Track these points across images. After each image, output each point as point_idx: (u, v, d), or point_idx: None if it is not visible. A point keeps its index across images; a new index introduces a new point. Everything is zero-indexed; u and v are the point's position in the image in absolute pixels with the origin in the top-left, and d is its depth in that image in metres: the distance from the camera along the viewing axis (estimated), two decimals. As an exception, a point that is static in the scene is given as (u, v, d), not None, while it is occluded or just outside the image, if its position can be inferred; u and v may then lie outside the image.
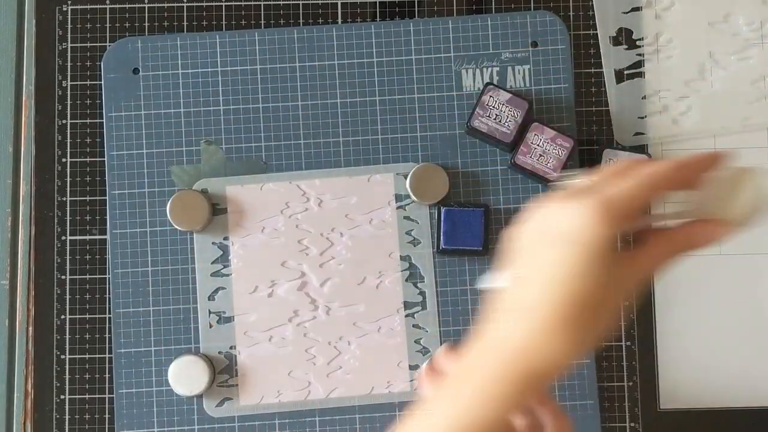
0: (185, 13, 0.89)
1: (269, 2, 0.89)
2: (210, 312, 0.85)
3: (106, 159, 0.87)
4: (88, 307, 0.86)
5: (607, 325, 0.58)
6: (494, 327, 0.59)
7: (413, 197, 0.85)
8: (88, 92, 0.88)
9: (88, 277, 0.87)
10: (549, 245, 0.57)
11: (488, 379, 0.57)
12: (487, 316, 0.60)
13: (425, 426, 0.60)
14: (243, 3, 0.89)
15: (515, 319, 0.57)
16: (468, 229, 0.84)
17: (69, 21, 0.89)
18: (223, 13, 0.89)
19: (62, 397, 0.86)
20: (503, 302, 0.59)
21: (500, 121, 0.84)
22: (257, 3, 0.89)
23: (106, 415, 0.85)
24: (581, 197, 0.57)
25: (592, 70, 0.88)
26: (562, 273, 0.56)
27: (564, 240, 0.56)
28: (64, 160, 0.88)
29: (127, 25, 0.89)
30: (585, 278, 0.56)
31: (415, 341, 0.85)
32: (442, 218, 0.84)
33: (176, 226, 0.85)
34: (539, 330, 0.56)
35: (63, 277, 0.87)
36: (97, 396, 0.86)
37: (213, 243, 0.86)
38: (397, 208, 0.86)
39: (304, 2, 0.89)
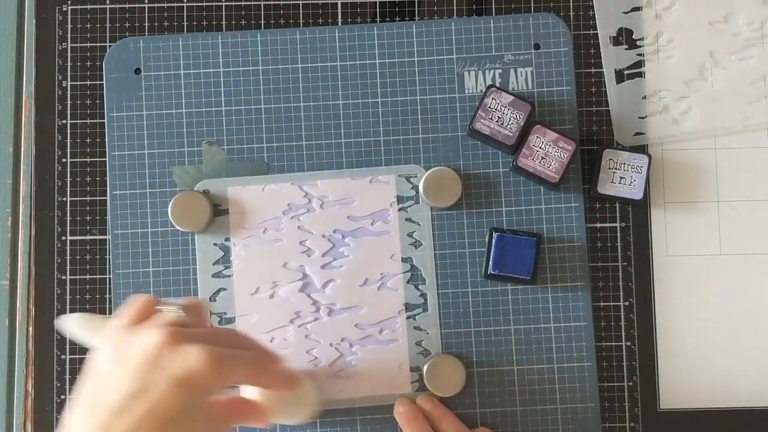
0: (185, 14, 0.89)
1: (269, 2, 0.89)
2: (211, 313, 0.85)
3: (107, 159, 0.87)
4: (88, 307, 0.86)
5: None
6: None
7: (424, 199, 0.85)
8: (89, 92, 0.88)
9: (88, 277, 0.87)
10: (163, 378, 0.62)
11: None
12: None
13: None
14: (243, 3, 0.89)
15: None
16: (518, 257, 0.83)
17: (69, 21, 0.88)
18: (223, 13, 0.89)
19: (62, 397, 0.86)
20: (91, 399, 0.63)
21: (502, 124, 0.84)
22: (257, 3, 0.89)
23: (107, 415, 0.85)
24: (195, 342, 0.64)
25: (593, 70, 0.88)
26: (167, 409, 0.61)
27: (178, 380, 0.62)
28: (64, 160, 0.87)
29: (127, 25, 0.88)
30: (188, 418, 0.62)
31: (416, 343, 0.85)
32: (492, 244, 0.84)
33: (177, 227, 0.85)
34: None
35: (63, 277, 0.87)
36: (97, 396, 0.86)
37: (214, 244, 0.86)
38: (399, 209, 0.86)
39: (304, 2, 0.89)
